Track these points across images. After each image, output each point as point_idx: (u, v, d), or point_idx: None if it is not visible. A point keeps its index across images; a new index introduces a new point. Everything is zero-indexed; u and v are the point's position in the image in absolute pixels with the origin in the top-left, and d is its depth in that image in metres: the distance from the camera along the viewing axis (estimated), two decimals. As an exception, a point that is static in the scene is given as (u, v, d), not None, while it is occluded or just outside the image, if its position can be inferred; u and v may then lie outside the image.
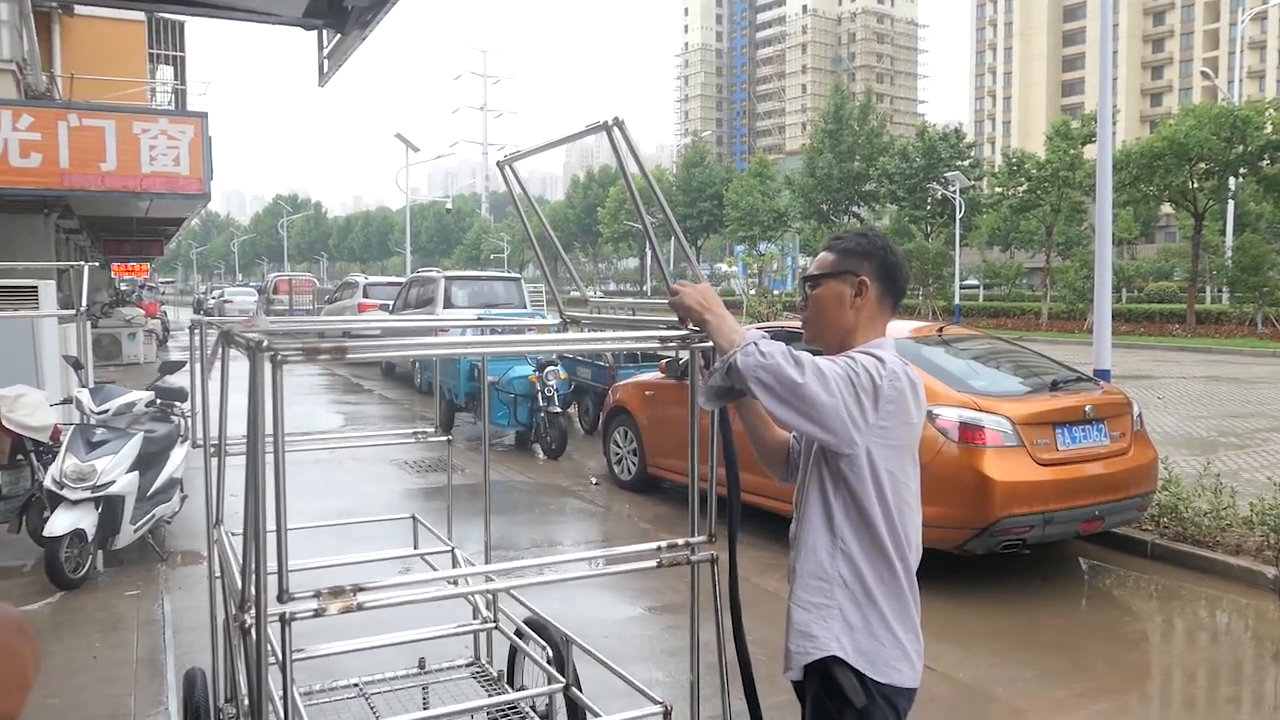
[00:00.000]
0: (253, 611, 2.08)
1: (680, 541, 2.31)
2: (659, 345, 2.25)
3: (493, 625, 3.29)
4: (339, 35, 3.84)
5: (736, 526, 2.36)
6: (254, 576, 1.94)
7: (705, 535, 2.35)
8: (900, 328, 7.21)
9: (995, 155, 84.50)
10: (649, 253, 61.16)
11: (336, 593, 1.95)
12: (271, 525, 1.87)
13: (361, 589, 1.96)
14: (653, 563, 2.28)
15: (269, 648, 2.12)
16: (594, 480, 9.49)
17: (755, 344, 2.06)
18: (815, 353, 2.20)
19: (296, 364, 1.89)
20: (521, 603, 3.22)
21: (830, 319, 2.31)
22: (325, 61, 4.26)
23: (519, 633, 3.25)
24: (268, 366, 1.87)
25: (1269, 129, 29.29)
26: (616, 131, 2.19)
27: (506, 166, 2.86)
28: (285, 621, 1.91)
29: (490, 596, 3.36)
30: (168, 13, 3.65)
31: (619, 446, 9.19)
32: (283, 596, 1.89)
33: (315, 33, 3.96)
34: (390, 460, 10.47)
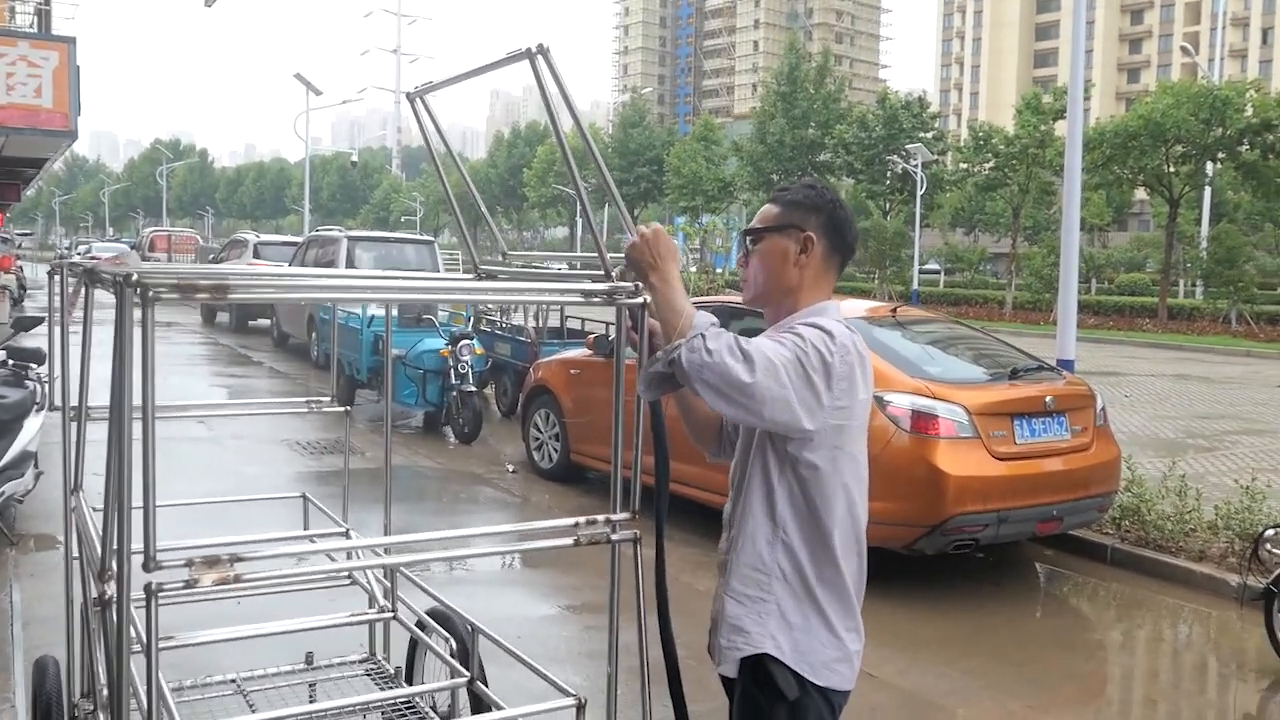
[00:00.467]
0: (114, 583, 2.03)
1: (600, 518, 2.32)
2: (582, 298, 2.25)
3: (390, 615, 3.27)
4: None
5: (664, 516, 2.37)
6: (116, 541, 1.90)
7: (628, 513, 2.36)
8: (853, 306, 7.32)
9: (961, 128, 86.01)
10: (580, 219, 61.00)
11: (211, 562, 1.92)
12: (138, 493, 1.84)
13: (240, 559, 1.93)
14: (568, 540, 2.29)
15: (132, 630, 2.08)
16: (511, 468, 9.47)
17: (702, 338, 2.06)
18: (755, 318, 2.23)
19: (170, 302, 1.85)
20: (425, 590, 3.21)
21: (772, 277, 2.34)
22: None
23: (420, 624, 3.23)
24: (137, 307, 1.83)
25: (1249, 111, 30.28)
26: (541, 61, 2.17)
27: (418, 100, 2.82)
28: (151, 593, 1.88)
29: (388, 583, 3.33)
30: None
31: (540, 431, 9.19)
32: (149, 564, 1.85)
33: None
34: (280, 440, 10.33)
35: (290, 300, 2.04)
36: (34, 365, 6.87)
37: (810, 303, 2.32)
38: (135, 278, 1.81)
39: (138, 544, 1.84)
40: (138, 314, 1.83)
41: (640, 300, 2.25)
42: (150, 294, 1.80)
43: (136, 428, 1.86)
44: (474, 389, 10.69)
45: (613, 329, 10.77)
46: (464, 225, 2.99)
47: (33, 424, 6.78)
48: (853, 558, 2.26)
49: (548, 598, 5.99)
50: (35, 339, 7.10)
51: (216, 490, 7.92)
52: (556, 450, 8.94)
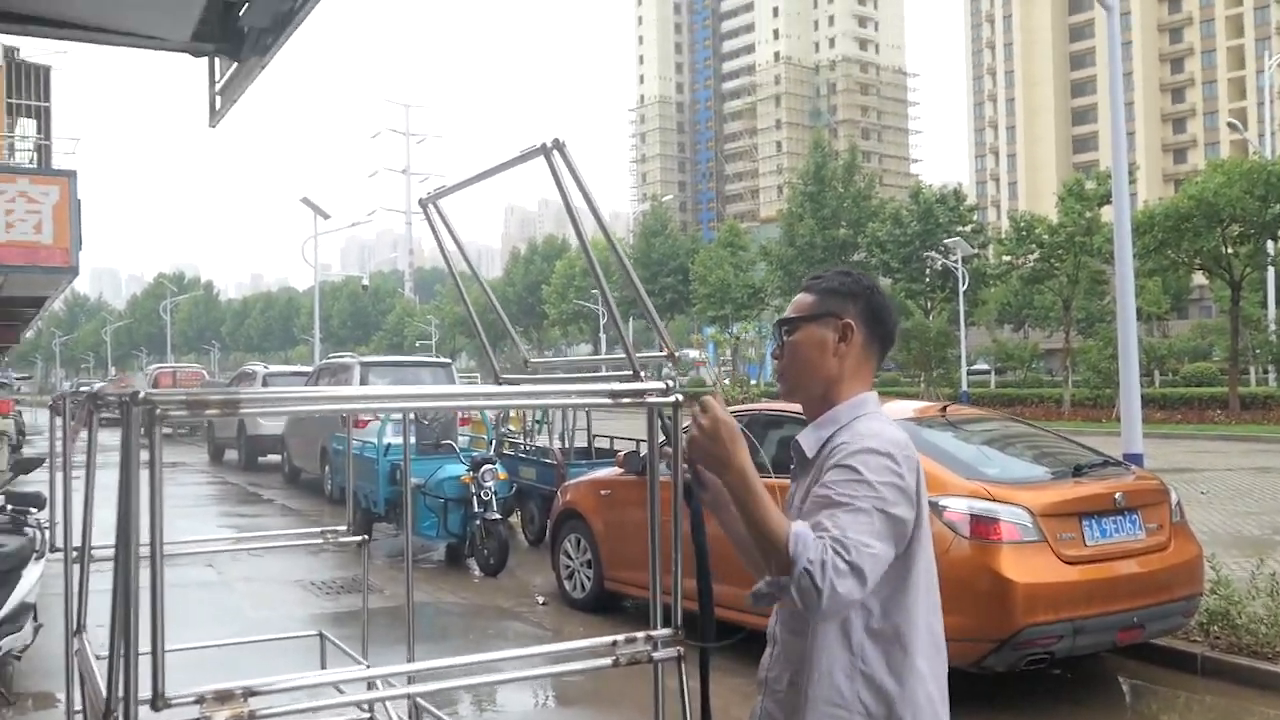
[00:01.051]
0: (120, 724, 2.01)
1: (640, 635, 2.29)
2: (609, 400, 2.26)
3: (417, 758, 3.20)
4: (234, 64, 3.89)
5: (711, 636, 2.35)
6: (122, 680, 1.89)
7: (670, 629, 2.33)
8: (900, 408, 7.30)
9: (1001, 219, 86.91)
10: (605, 319, 61.52)
11: (224, 697, 1.90)
12: (145, 634, 1.84)
13: (254, 693, 1.92)
14: (606, 660, 2.25)
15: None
16: (541, 600, 9.38)
17: (810, 575, 2.04)
18: (794, 425, 2.26)
19: (178, 436, 1.88)
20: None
21: (810, 368, 2.37)
22: (218, 97, 4.30)
23: (448, 766, 3.16)
24: (143, 426, 1.86)
25: (1308, 185, 30.43)
26: (558, 156, 2.23)
27: (431, 206, 2.89)
28: (160, 735, 1.86)
29: (413, 715, 3.28)
30: (24, 34, 3.69)
31: (570, 558, 9.13)
32: (157, 704, 1.84)
33: (206, 61, 4.02)
34: (293, 581, 10.30)
35: (303, 412, 2.07)
36: (33, 510, 6.92)
37: (851, 394, 2.35)
38: (142, 395, 1.84)
39: (144, 690, 1.83)
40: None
41: (673, 399, 2.26)
42: (158, 411, 1.83)
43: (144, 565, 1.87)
44: (498, 517, 10.67)
45: (644, 446, 10.77)
46: (484, 337, 3.04)
47: (32, 573, 6.80)
48: (941, 679, 2.25)
49: (586, 738, 5.86)
50: (35, 485, 7.17)
51: (226, 637, 7.87)
52: (589, 579, 8.85)
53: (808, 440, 2.36)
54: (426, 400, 2.17)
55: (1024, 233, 38.96)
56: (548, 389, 2.36)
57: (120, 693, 1.93)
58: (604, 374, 2.58)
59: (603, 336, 66.36)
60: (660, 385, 2.27)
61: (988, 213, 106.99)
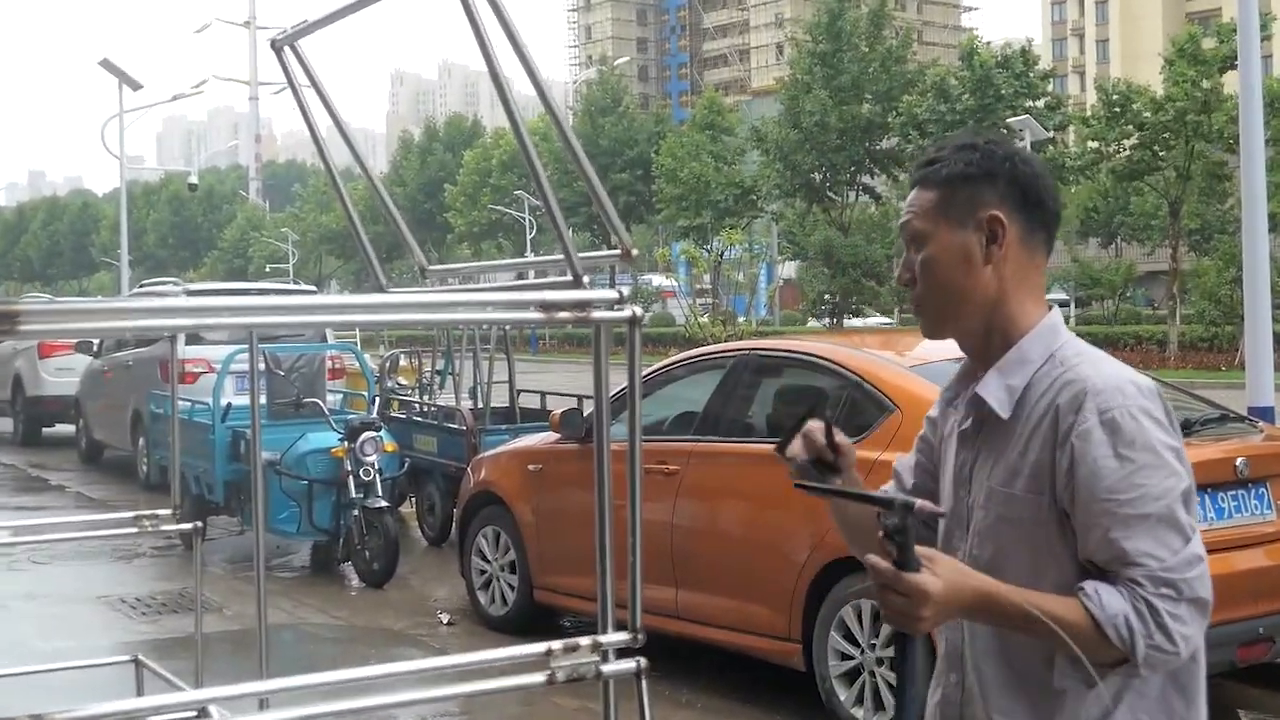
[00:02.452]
0: None
1: (583, 642, 2.32)
2: (541, 314, 2.26)
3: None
4: None
5: None
6: None
7: (626, 633, 2.38)
8: (940, 352, 7.37)
9: (1086, 90, 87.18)
10: (534, 250, 61.25)
11: (5, 728, 1.92)
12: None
13: (48, 721, 1.94)
14: (540, 677, 2.29)
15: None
16: (446, 618, 9.45)
17: (1160, 645, 2.17)
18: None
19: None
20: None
21: (957, 292, 2.41)
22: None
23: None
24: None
25: None
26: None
27: (287, 49, 2.87)
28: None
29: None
30: None
31: (486, 560, 9.19)
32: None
33: None
34: (97, 599, 10.30)
35: (107, 330, 2.07)
36: None
37: (1026, 317, 2.41)
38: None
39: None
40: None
41: (629, 314, 2.28)
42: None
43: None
44: (385, 505, 10.68)
45: (588, 403, 10.76)
46: (364, 239, 3.04)
47: None
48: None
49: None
50: None
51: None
52: (512, 587, 8.92)
53: (995, 393, 2.39)
54: (282, 314, 2.17)
55: (1117, 109, 39.14)
56: (452, 298, 2.36)
57: None
58: (532, 281, 2.59)
59: (530, 255, 66.20)
60: (611, 293, 2.28)
61: (1067, 81, 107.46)
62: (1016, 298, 2.40)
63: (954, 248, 2.39)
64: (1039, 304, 2.44)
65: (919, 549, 2.18)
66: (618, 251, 2.66)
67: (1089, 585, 2.20)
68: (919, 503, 2.17)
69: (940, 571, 2.18)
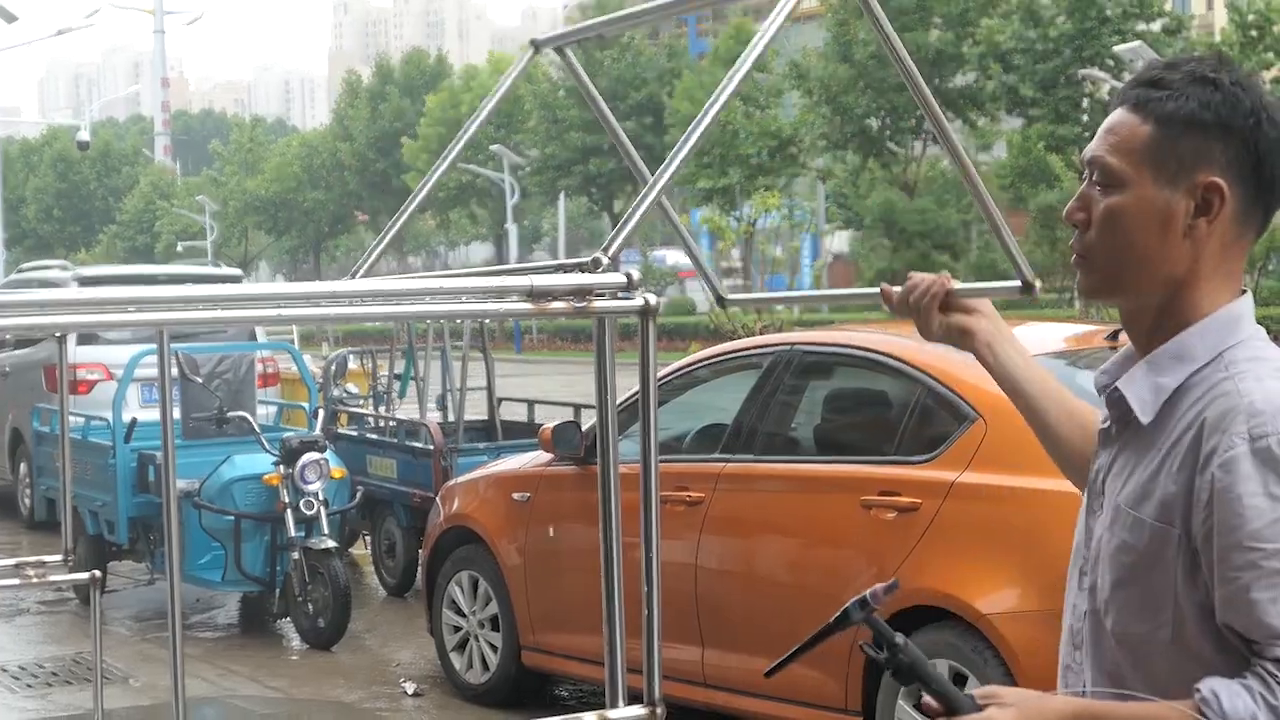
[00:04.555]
0: None
1: (588, 717, 2.34)
2: (529, 304, 2.27)
3: None
4: None
5: None
6: None
7: (644, 706, 2.39)
8: (1041, 336, 7.37)
9: (1215, 10, 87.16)
10: (518, 220, 61.14)
11: None
12: None
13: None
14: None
15: None
16: (411, 688, 9.48)
17: None
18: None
19: None
20: None
21: (1142, 256, 2.37)
22: None
23: None
24: None
25: None
26: None
27: (567, 51, 2.88)
28: None
29: None
30: None
31: (461, 614, 9.21)
32: None
33: None
34: (-32, 666, 10.32)
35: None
36: None
37: (1214, 305, 2.38)
38: None
39: None
40: None
41: (640, 303, 2.28)
42: None
43: None
44: (332, 545, 10.71)
45: (587, 415, 10.75)
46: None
47: None
48: None
49: None
50: None
51: None
52: (495, 648, 8.94)
53: (1140, 391, 2.38)
54: (200, 308, 2.17)
55: (1254, 32, 39.16)
56: (419, 286, 2.34)
57: None
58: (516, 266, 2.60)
59: (511, 229, 66.01)
60: (617, 277, 2.28)
61: (1190, 0, 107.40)
62: (1208, 281, 2.37)
63: (1153, 205, 2.35)
64: (1231, 293, 2.41)
65: (978, 690, 2.24)
66: (1016, 283, 2.70)
67: (1205, 686, 2.17)
68: (869, 593, 2.30)
69: (1009, 701, 2.23)
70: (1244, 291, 2.42)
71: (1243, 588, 2.16)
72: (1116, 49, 41.00)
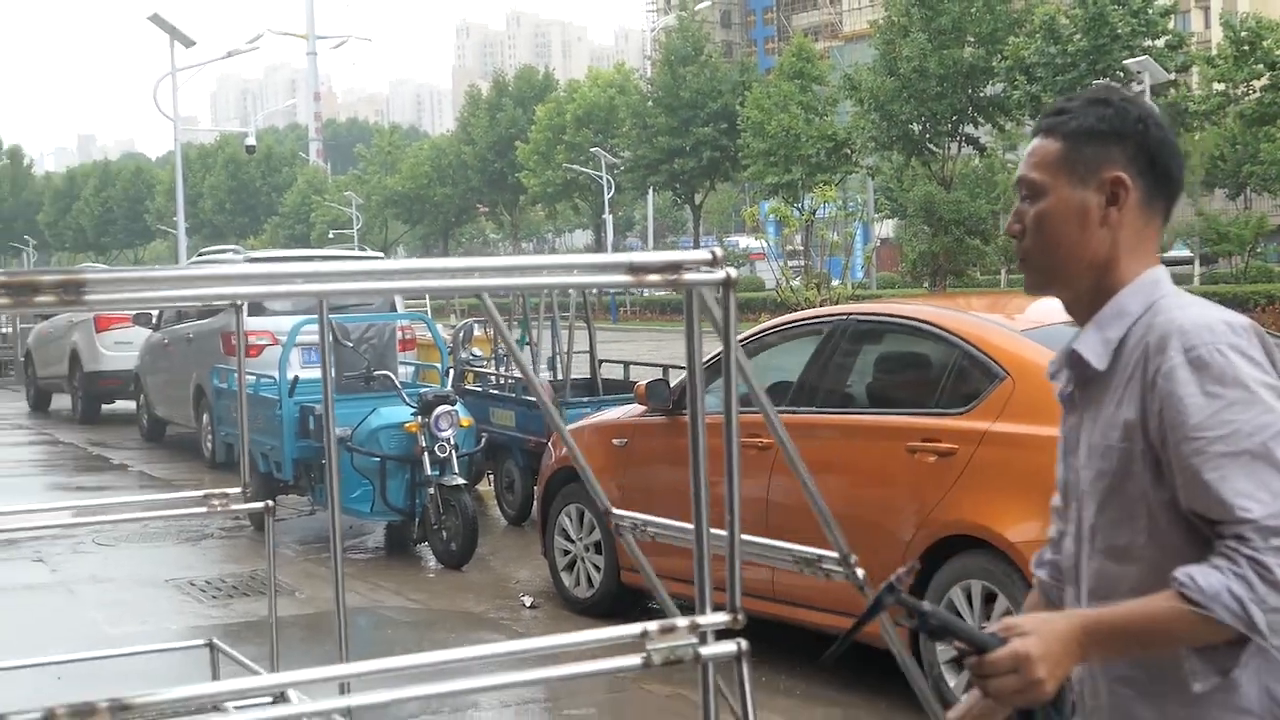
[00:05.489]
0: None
1: (681, 623, 2.35)
2: (629, 276, 2.28)
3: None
4: None
5: None
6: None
7: (726, 614, 2.40)
8: (1045, 312, 7.31)
9: (1211, 27, 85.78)
10: (611, 211, 61.17)
11: (83, 713, 1.97)
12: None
13: (128, 706, 1.98)
14: (634, 660, 2.31)
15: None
16: (528, 601, 9.54)
17: (1264, 607, 2.19)
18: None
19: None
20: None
21: (1070, 249, 2.51)
22: None
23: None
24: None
25: None
26: None
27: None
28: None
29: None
30: None
31: (571, 540, 9.26)
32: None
33: None
34: (164, 582, 10.50)
35: (176, 301, 2.12)
36: None
37: (1134, 275, 2.49)
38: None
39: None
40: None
41: (723, 276, 2.30)
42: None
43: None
44: (461, 482, 10.79)
45: (674, 374, 10.73)
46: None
47: None
48: None
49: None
50: None
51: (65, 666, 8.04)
52: (599, 568, 8.99)
53: (1091, 347, 2.48)
54: (357, 280, 2.21)
55: (1246, 47, 38.58)
56: (537, 262, 2.39)
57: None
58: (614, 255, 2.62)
59: (608, 219, 66.16)
60: (703, 254, 2.30)
61: (1190, 18, 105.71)
62: (1127, 260, 2.49)
63: (1071, 204, 2.49)
64: (1149, 264, 2.52)
65: (997, 625, 2.27)
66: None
67: (1180, 573, 2.24)
68: (894, 577, 2.31)
69: (1027, 629, 2.26)
70: (1155, 261, 2.54)
71: (1195, 472, 2.26)
72: (1126, 62, 40.58)
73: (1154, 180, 2.49)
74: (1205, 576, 2.20)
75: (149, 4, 47.16)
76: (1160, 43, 45.69)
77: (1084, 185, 2.48)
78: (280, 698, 3.22)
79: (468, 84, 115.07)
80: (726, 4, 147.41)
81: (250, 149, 66.74)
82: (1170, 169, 2.51)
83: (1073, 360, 2.49)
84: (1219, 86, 42.24)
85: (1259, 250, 54.11)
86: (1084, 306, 2.53)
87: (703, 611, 2.40)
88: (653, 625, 2.38)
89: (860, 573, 2.62)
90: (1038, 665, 2.21)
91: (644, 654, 2.34)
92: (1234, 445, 2.23)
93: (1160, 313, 2.40)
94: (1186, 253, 55.46)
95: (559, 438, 9.74)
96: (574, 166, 67.37)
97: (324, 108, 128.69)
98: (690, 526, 2.44)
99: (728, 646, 2.38)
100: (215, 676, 3.89)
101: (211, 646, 4.00)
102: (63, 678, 4.72)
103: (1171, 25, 48.41)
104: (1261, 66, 38.13)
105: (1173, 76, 44.53)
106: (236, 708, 3.34)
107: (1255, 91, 39.71)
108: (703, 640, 2.37)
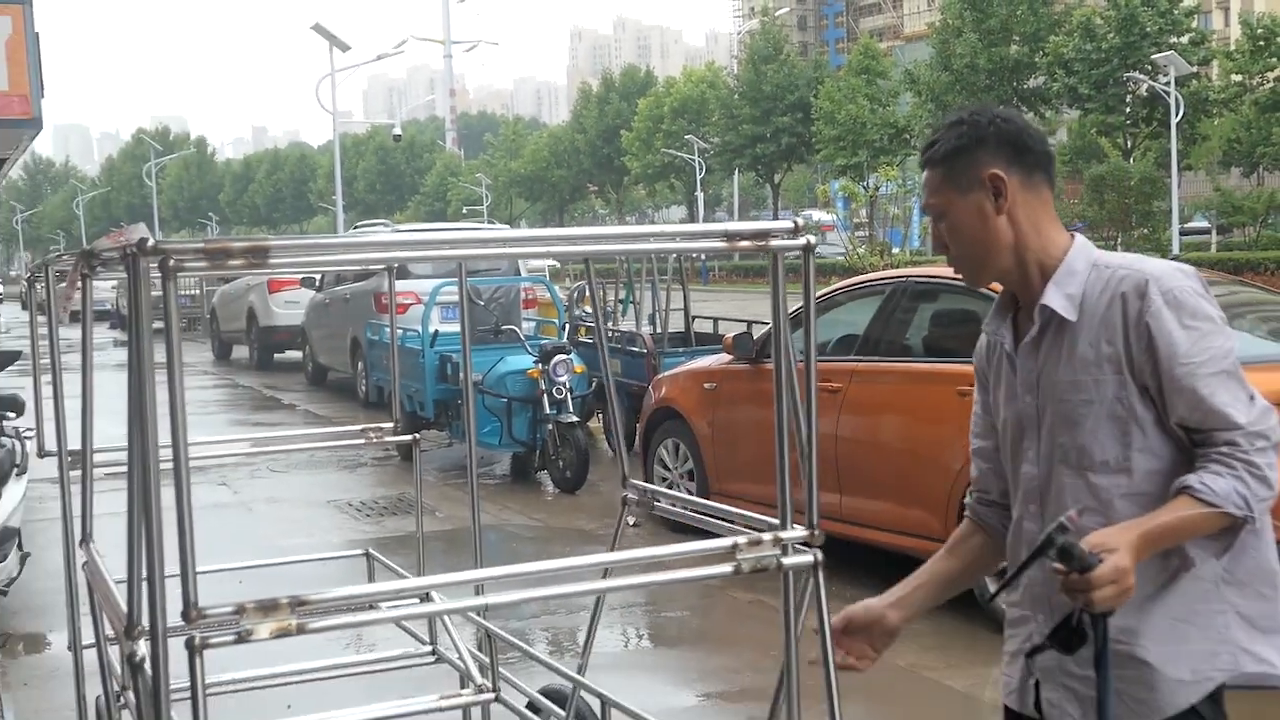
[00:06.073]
0: (146, 640, 2.16)
1: (766, 536, 2.38)
2: (724, 243, 2.31)
3: (491, 696, 3.38)
4: None
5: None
6: (146, 585, 2.02)
7: (804, 528, 2.42)
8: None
9: (1230, 24, 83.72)
10: (703, 189, 61.10)
11: (268, 608, 2.02)
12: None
13: (304, 602, 2.03)
14: (726, 568, 2.35)
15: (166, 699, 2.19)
16: (632, 520, 9.57)
17: (1257, 499, 2.35)
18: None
19: (196, 272, 1.97)
20: (541, 661, 3.31)
21: (984, 245, 2.56)
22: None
23: (532, 706, 3.33)
24: (156, 280, 1.96)
25: None
26: None
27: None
28: (195, 649, 1.98)
29: (485, 658, 3.45)
30: None
31: (667, 468, 9.34)
32: (190, 613, 1.95)
33: None
34: (326, 502, 10.69)
35: (344, 264, 2.16)
36: (10, 416, 7.22)
37: (1063, 244, 2.56)
38: (151, 244, 1.93)
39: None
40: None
41: (804, 241, 2.32)
42: (172, 263, 1.92)
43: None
44: (575, 419, 10.88)
45: (756, 328, 10.68)
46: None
47: (13, 492, 7.12)
48: None
49: (691, 683, 6.05)
50: (10, 388, 7.46)
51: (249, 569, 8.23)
52: (691, 492, 9.01)
53: (1059, 301, 2.52)
54: (495, 247, 2.25)
55: (1261, 42, 37.67)
56: (644, 230, 2.43)
57: (143, 608, 2.06)
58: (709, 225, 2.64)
59: (699, 196, 66.06)
60: (787, 224, 2.32)
61: (1212, 18, 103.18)
62: (1037, 234, 2.55)
63: (968, 210, 2.54)
64: (1061, 230, 2.58)
65: (1087, 545, 2.28)
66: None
67: (1192, 480, 2.34)
68: (1065, 518, 2.29)
69: (1115, 544, 2.30)
70: (1073, 234, 2.61)
71: (1190, 390, 2.38)
72: (1154, 57, 39.81)
73: (1023, 162, 2.53)
74: (1215, 481, 2.32)
75: (312, 15, 47.49)
76: (1185, 39, 44.84)
77: (970, 191, 2.53)
78: (425, 598, 3.29)
79: (580, 81, 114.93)
80: (802, 9, 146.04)
81: (396, 138, 67.05)
82: (1031, 147, 2.55)
83: (1042, 312, 2.53)
84: (1237, 78, 41.34)
85: (1270, 221, 52.88)
86: (1016, 280, 2.58)
87: (785, 527, 2.44)
88: (742, 539, 2.42)
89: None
90: (1130, 574, 2.27)
91: (734, 563, 2.38)
92: (1215, 367, 2.37)
93: (1115, 266, 2.49)
94: (1204, 224, 54.31)
95: (658, 382, 9.85)
96: (670, 151, 67.55)
97: (458, 102, 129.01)
98: (690, 499, 2.45)
99: (806, 557, 2.41)
100: (371, 579, 3.97)
101: (368, 555, 4.09)
102: (244, 581, 4.83)
103: (1195, 24, 47.41)
104: (1275, 60, 37.24)
105: (1195, 69, 43.59)
106: (389, 606, 3.41)
107: (1269, 82, 38.77)
108: (785, 551, 2.41)
